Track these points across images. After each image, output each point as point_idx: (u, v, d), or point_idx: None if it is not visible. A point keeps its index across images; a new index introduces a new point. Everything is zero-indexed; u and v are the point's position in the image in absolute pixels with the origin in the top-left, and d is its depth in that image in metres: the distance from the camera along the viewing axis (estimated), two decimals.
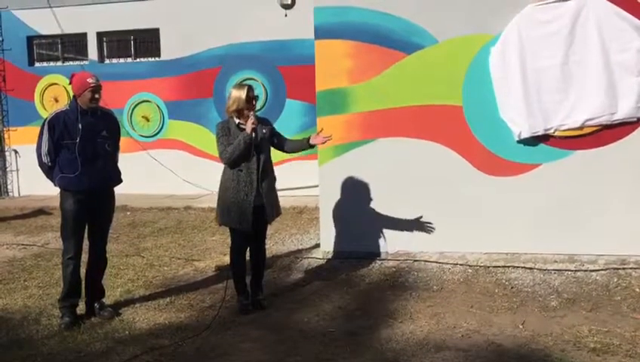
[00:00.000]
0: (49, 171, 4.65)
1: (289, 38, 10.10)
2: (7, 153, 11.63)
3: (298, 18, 9.65)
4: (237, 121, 4.70)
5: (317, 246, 6.52)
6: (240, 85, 4.79)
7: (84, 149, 4.57)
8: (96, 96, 4.60)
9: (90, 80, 4.57)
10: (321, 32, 6.04)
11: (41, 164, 4.65)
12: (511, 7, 5.62)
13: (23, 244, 7.44)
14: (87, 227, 4.74)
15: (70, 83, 4.68)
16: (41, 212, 9.36)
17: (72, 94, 4.74)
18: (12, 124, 11.48)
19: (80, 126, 4.56)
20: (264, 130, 4.71)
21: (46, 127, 4.57)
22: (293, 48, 10.12)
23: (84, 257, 4.81)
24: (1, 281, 5.82)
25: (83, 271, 4.81)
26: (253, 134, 4.59)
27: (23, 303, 5.14)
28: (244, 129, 4.63)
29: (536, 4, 5.58)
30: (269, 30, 10.17)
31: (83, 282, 4.83)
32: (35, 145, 4.65)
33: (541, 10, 5.57)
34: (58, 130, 4.55)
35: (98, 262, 4.86)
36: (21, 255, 6.91)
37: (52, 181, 4.68)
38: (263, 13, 10.08)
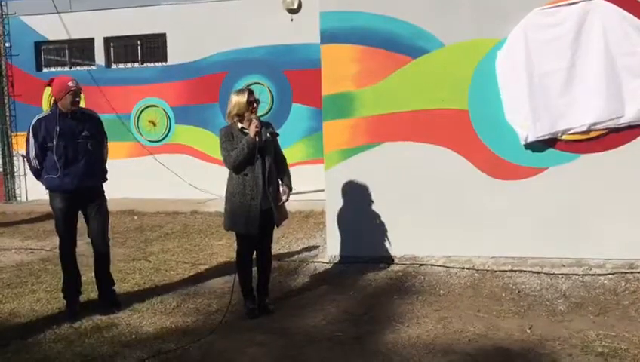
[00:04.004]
0: (38, 173, 4.89)
1: (295, 43, 10.13)
2: (15, 158, 11.70)
3: (304, 23, 9.68)
4: (240, 125, 4.70)
5: (323, 250, 6.52)
6: (240, 90, 4.78)
7: (65, 150, 4.75)
8: (77, 99, 4.78)
9: (70, 83, 4.75)
10: (327, 37, 6.05)
11: (31, 167, 4.91)
12: (517, 11, 5.61)
13: (30, 249, 7.48)
14: (86, 225, 4.98)
15: (48, 85, 4.85)
16: (48, 216, 9.34)
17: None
18: (20, 130, 11.53)
19: (58, 128, 4.73)
20: (267, 134, 4.71)
21: (31, 132, 4.79)
22: (299, 53, 10.14)
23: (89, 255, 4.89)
24: (9, 285, 5.86)
25: (88, 266, 4.91)
26: (257, 138, 4.59)
27: (31, 307, 5.16)
28: (248, 133, 4.64)
29: (542, 8, 5.58)
30: (275, 35, 10.20)
31: (93, 275, 5.12)
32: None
33: (547, 14, 5.56)
34: (40, 134, 4.76)
35: (101, 257, 5.06)
36: (29, 259, 6.95)
37: (41, 182, 4.90)
38: (269, 18, 10.13)
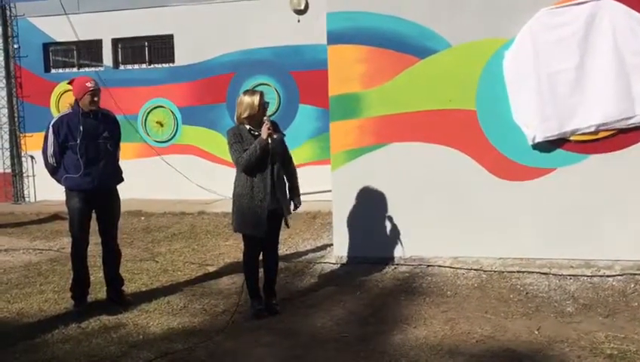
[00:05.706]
0: (54, 171, 4.93)
1: (302, 44, 10.14)
2: (23, 159, 11.76)
3: (311, 23, 9.68)
4: (248, 126, 4.70)
5: (330, 251, 6.52)
6: (252, 91, 4.75)
7: (87, 150, 4.83)
8: (95, 99, 4.86)
9: (89, 84, 4.83)
10: (334, 37, 6.05)
11: (47, 165, 4.94)
12: (525, 11, 5.59)
13: (38, 249, 7.51)
14: (97, 224, 5.04)
15: (69, 83, 4.95)
16: (56, 217, 9.45)
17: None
18: (28, 130, 11.61)
19: (81, 128, 4.81)
20: (274, 136, 4.70)
21: (51, 130, 4.84)
22: (306, 53, 10.15)
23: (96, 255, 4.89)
24: (18, 286, 5.88)
25: (96, 267, 4.93)
26: (269, 140, 4.58)
27: (39, 307, 5.18)
28: (256, 134, 4.63)
29: (550, 8, 5.55)
30: (282, 36, 10.22)
31: (102, 274, 5.20)
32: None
33: (555, 14, 5.53)
34: (62, 132, 4.81)
35: (111, 255, 5.16)
36: (37, 259, 6.97)
37: (57, 181, 4.95)
38: (276, 19, 10.15)
